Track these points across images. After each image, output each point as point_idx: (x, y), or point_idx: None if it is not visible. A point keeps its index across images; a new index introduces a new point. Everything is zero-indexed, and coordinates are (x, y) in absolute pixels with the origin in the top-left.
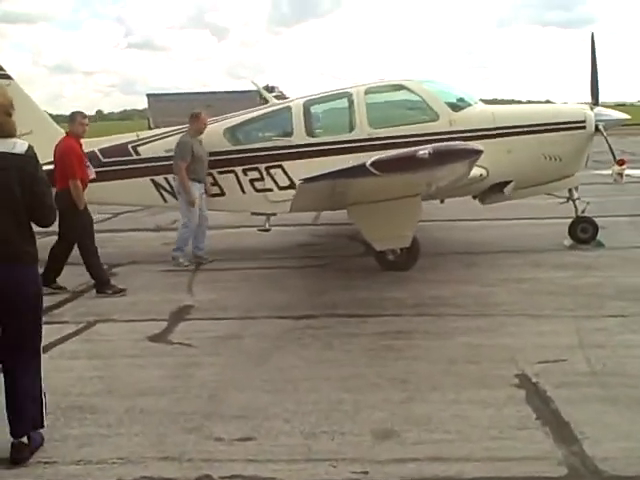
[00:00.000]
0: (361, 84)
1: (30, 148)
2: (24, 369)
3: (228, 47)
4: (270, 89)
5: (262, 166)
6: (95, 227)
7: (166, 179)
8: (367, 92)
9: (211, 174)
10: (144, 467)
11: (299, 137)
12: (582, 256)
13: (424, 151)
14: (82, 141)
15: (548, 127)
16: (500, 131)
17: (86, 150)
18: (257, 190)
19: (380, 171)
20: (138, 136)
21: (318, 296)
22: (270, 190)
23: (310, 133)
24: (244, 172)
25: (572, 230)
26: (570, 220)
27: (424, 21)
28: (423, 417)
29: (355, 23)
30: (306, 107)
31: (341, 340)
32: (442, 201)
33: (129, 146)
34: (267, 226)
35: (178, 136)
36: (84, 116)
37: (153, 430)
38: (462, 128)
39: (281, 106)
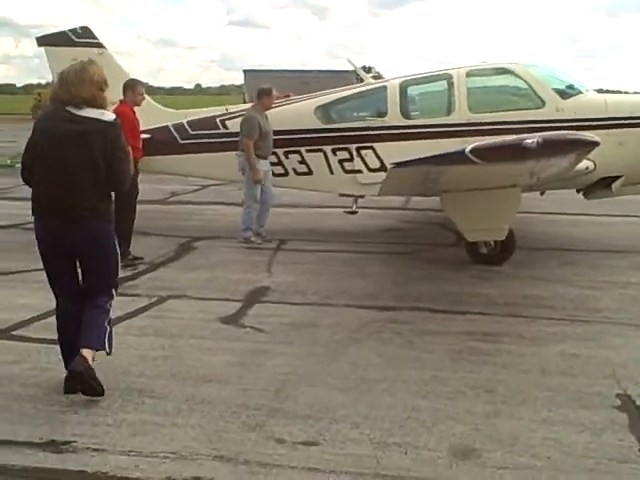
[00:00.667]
0: (463, 66)
1: (116, 119)
2: (97, 306)
3: (328, 27)
4: (367, 69)
5: (353, 146)
6: (182, 198)
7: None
8: (468, 75)
9: (299, 152)
10: (197, 465)
11: (394, 118)
12: None
13: (531, 140)
14: (178, 111)
15: None
16: (612, 122)
17: (175, 121)
18: (346, 171)
19: (480, 159)
20: (227, 110)
21: (402, 286)
22: (360, 172)
23: (405, 114)
24: (333, 152)
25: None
26: None
27: (530, 6)
28: (509, 436)
29: (458, 6)
30: (402, 87)
31: (423, 338)
32: (542, 193)
33: (217, 120)
34: (354, 208)
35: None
36: (143, 85)
37: (212, 424)
38: (570, 117)
39: (376, 85)
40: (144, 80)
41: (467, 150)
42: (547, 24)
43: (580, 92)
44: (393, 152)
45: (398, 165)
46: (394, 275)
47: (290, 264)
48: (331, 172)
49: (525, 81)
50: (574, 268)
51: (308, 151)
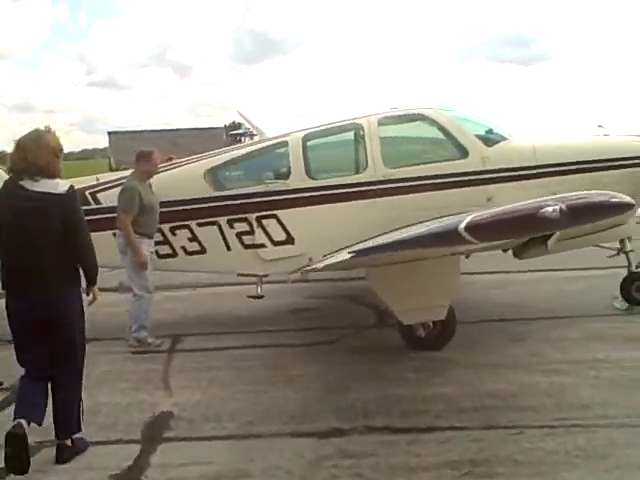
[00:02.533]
0: (372, 114)
1: (71, 188)
2: (66, 383)
3: (190, 85)
4: (237, 126)
5: (252, 216)
6: None
7: None
8: (380, 123)
9: (188, 226)
10: None
11: (298, 179)
12: None
13: (552, 209)
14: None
15: (602, 165)
16: (542, 170)
17: None
18: (246, 246)
19: (479, 238)
20: (98, 180)
21: (340, 394)
22: (262, 246)
23: (311, 174)
24: (229, 224)
25: (625, 289)
26: (622, 276)
27: (386, 57)
28: None
29: (318, 61)
30: (306, 142)
31: None
32: (467, 256)
33: (87, 192)
34: (259, 291)
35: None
36: None
37: None
38: (497, 167)
39: (275, 141)
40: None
41: (461, 227)
42: (404, 73)
43: (504, 138)
44: (300, 220)
45: (361, 253)
46: (324, 377)
47: (192, 372)
48: (228, 248)
49: (444, 128)
50: (527, 346)
51: (199, 225)
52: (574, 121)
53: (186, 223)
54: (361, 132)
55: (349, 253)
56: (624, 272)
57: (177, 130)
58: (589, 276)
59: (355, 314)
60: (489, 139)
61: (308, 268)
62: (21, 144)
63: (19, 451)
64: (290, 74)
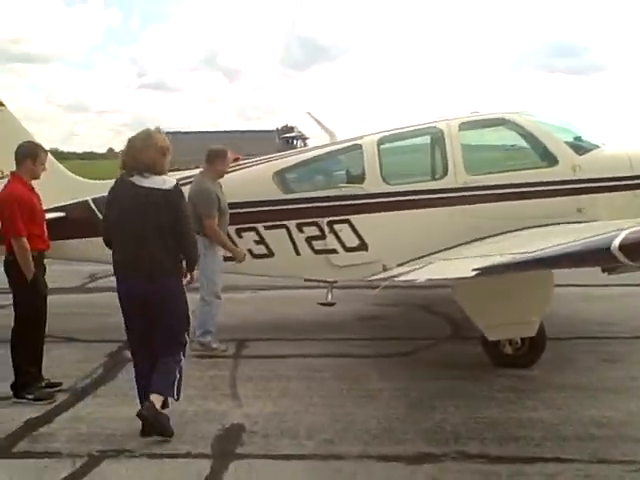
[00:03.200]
0: (452, 117)
1: (176, 185)
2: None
3: (239, 89)
4: (289, 129)
5: (323, 220)
6: (105, 282)
7: None
8: (462, 128)
9: (255, 229)
10: None
11: (373, 184)
12: None
13: None
14: (99, 182)
15: None
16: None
17: (97, 195)
18: (316, 251)
19: (634, 259)
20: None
21: (425, 413)
22: (334, 251)
23: (387, 179)
24: (299, 228)
25: None
26: None
27: (431, 63)
28: None
29: (367, 66)
30: (381, 145)
31: None
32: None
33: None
34: (330, 298)
35: None
36: (46, 152)
37: None
38: (590, 176)
39: (348, 144)
40: (53, 145)
41: (615, 246)
42: (449, 82)
43: (597, 146)
44: (374, 226)
45: (486, 271)
46: (405, 393)
47: (261, 381)
48: (297, 253)
49: (531, 134)
50: (622, 368)
51: (267, 228)
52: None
53: (253, 225)
54: (441, 136)
55: (473, 270)
56: None
57: (229, 132)
58: None
59: (428, 324)
60: (580, 147)
61: (401, 278)
62: (131, 143)
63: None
64: (338, 80)
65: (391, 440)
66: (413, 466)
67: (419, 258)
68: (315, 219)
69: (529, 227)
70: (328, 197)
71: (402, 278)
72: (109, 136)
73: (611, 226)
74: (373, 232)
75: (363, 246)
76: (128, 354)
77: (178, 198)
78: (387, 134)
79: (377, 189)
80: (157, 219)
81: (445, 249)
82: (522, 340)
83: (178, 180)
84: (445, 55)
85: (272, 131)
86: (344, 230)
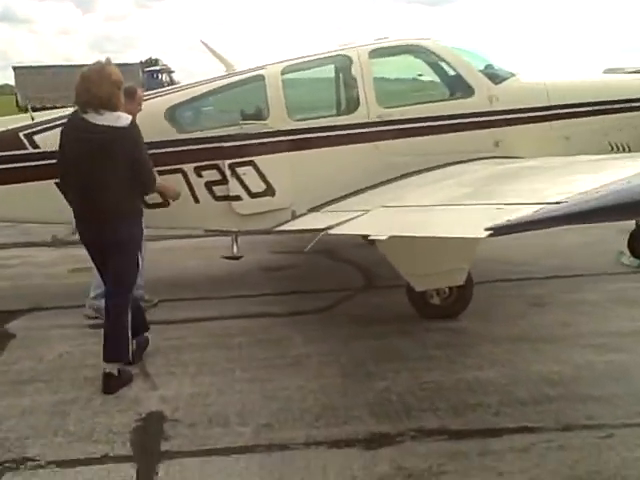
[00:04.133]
0: (361, 44)
1: (133, 120)
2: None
3: (93, 20)
4: (154, 62)
5: (225, 163)
6: None
7: None
8: (372, 55)
9: None
10: None
11: (278, 120)
12: None
13: None
14: None
15: (620, 106)
16: (557, 111)
17: None
18: (217, 197)
19: None
20: (33, 119)
21: (364, 382)
22: (237, 198)
23: (294, 114)
24: (197, 172)
25: (634, 244)
26: (629, 230)
27: None
28: None
29: None
30: (286, 76)
31: None
32: None
33: (21, 134)
34: (235, 251)
35: None
36: None
37: None
38: (507, 107)
39: (248, 75)
40: None
41: None
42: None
43: (512, 74)
44: (281, 167)
45: (505, 230)
46: (336, 358)
47: (171, 352)
48: (196, 200)
49: (446, 61)
50: (552, 313)
51: (160, 172)
52: None
53: None
54: (351, 65)
55: (486, 230)
56: (627, 226)
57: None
58: (585, 228)
59: (338, 273)
60: (495, 75)
61: (339, 231)
62: (85, 76)
63: None
64: (199, 10)
65: (337, 420)
66: (371, 452)
67: (332, 202)
68: (215, 161)
69: (446, 164)
70: (229, 136)
71: (340, 231)
72: None
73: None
74: (280, 174)
75: (269, 191)
76: (9, 327)
77: (135, 135)
78: (292, 63)
79: (283, 125)
80: (116, 159)
81: (360, 190)
82: (450, 289)
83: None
84: None
85: (134, 64)
86: (248, 173)
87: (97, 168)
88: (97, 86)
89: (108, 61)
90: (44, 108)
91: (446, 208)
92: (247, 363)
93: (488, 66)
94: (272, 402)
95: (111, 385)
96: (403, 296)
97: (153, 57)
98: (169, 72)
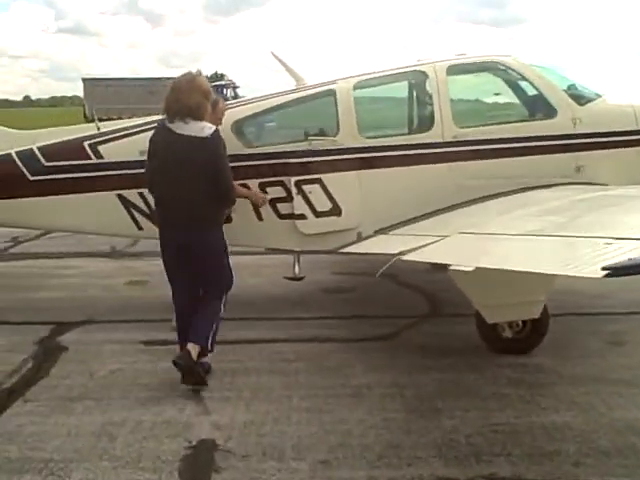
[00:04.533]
0: (438, 60)
1: (216, 131)
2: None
3: (162, 35)
4: (219, 77)
5: (290, 180)
6: (29, 247)
7: (141, 195)
8: (450, 71)
9: None
10: None
11: (348, 137)
12: None
13: None
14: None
15: None
16: None
17: (20, 148)
18: (281, 216)
19: None
20: (99, 129)
21: (430, 419)
22: (302, 217)
23: (364, 131)
24: (262, 188)
25: None
26: None
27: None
28: None
29: (295, 11)
30: (358, 91)
31: None
32: None
33: (85, 144)
34: (297, 271)
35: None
36: None
37: None
38: (591, 130)
39: (318, 90)
40: None
41: None
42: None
43: (598, 95)
44: (348, 186)
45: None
46: (398, 389)
47: (226, 376)
48: (259, 218)
49: (527, 80)
50: (633, 352)
51: None
52: None
53: None
54: (426, 82)
55: (603, 269)
56: None
57: (155, 79)
58: None
59: (401, 298)
60: (580, 96)
61: (418, 258)
62: (176, 85)
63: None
64: (265, 27)
65: (400, 460)
66: None
67: (401, 224)
68: (281, 178)
69: (524, 188)
70: (297, 152)
71: (416, 258)
72: (25, 83)
73: None
74: (348, 194)
75: (336, 210)
76: (63, 340)
77: (217, 145)
78: (365, 78)
79: (353, 143)
80: (196, 169)
81: (431, 213)
82: (523, 322)
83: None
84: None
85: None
86: (314, 191)
87: (181, 176)
88: (187, 96)
89: (199, 72)
90: (109, 119)
91: (539, 239)
92: (305, 391)
93: (571, 86)
94: (331, 436)
95: (183, 366)
96: (471, 326)
97: (219, 72)
98: (234, 87)
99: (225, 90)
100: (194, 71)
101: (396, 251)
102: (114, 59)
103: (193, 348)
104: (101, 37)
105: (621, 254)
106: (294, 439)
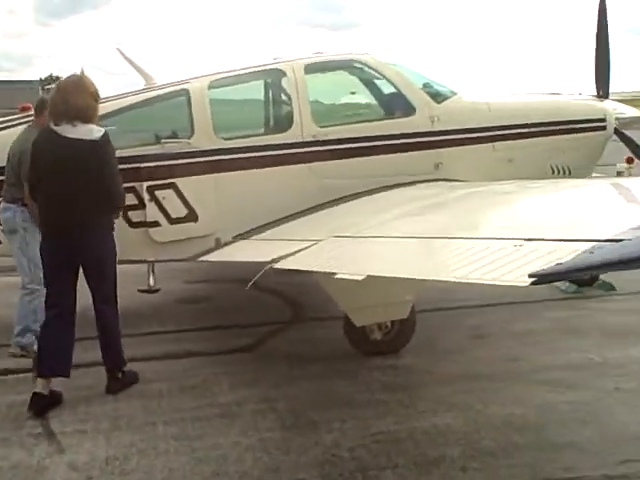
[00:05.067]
0: (295, 58)
1: (105, 134)
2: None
3: None
4: (54, 80)
5: (142, 186)
6: None
7: None
8: (308, 70)
9: None
10: None
11: (204, 138)
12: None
13: None
14: None
15: (563, 128)
16: (500, 132)
17: None
18: (133, 224)
19: None
20: None
21: (309, 435)
22: (155, 224)
23: (221, 133)
24: None
25: None
26: None
27: (203, 19)
28: None
29: (134, 14)
30: (213, 91)
31: None
32: None
33: None
34: (152, 283)
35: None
36: None
37: None
38: (449, 127)
39: (170, 89)
40: None
41: None
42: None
43: (454, 93)
44: (205, 190)
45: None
46: (270, 404)
47: (79, 404)
48: None
49: (386, 78)
50: (497, 345)
51: None
52: None
53: None
54: (284, 80)
55: (557, 265)
56: None
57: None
58: None
59: (261, 305)
60: (437, 94)
61: (287, 266)
62: (62, 87)
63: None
64: (100, 30)
65: None
66: None
67: (262, 228)
68: (132, 184)
69: (386, 186)
70: (147, 156)
71: (290, 266)
72: None
73: None
74: (204, 198)
75: (191, 216)
76: None
77: (107, 149)
78: (220, 77)
79: (209, 145)
80: (83, 174)
81: (293, 215)
82: (392, 323)
83: None
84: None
85: (33, 81)
86: (168, 197)
87: (68, 182)
88: (75, 97)
89: (83, 73)
90: None
91: (428, 242)
92: (169, 415)
93: (427, 84)
94: (204, 465)
95: (117, 387)
96: (335, 330)
97: (54, 74)
98: None
99: None
100: (78, 72)
101: (267, 258)
102: None
103: (117, 378)
104: None
105: (538, 257)
106: (164, 472)
